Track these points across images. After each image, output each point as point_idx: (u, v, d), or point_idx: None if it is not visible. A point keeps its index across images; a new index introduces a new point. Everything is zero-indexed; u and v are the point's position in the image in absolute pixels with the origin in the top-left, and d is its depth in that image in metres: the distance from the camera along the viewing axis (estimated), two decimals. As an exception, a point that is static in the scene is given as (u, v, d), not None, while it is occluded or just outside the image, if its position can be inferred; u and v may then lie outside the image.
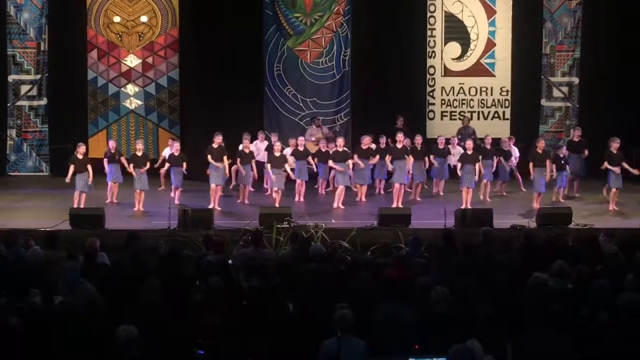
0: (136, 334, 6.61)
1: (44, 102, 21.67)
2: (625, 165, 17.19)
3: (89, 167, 16.67)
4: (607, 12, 21.37)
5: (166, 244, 12.09)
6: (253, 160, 17.94)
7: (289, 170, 17.59)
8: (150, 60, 21.77)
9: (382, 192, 18.91)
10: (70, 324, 7.08)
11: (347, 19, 21.34)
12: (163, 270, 9.28)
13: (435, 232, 13.38)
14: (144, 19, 21.70)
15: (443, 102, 22.16)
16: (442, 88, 22.13)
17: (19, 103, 21.60)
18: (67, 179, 16.57)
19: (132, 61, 21.74)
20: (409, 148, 18.00)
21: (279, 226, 14.33)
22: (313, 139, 19.85)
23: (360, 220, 15.56)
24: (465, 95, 22.16)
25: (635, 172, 17.21)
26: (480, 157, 17.77)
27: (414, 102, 21.54)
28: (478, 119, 21.97)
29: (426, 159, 18.29)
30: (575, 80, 22.10)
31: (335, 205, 17.34)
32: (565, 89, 22.17)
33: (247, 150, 17.84)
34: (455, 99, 22.15)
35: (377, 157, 17.90)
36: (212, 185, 17.10)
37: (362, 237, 14.09)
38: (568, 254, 10.02)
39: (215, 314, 7.65)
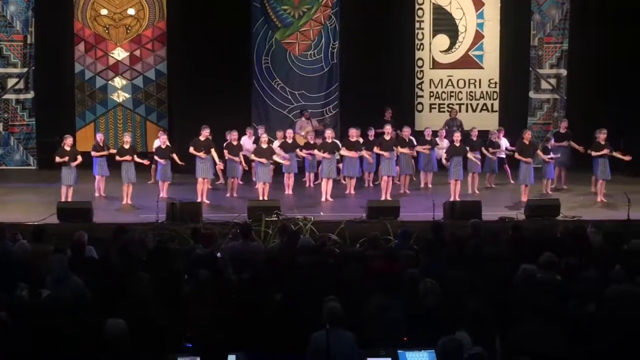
0: (125, 327, 6.59)
1: (31, 95, 21.56)
2: (618, 155, 17.26)
3: (78, 158, 16.64)
4: (595, 4, 21.42)
5: (154, 237, 12.05)
6: (241, 153, 17.89)
7: (278, 159, 17.57)
8: (137, 53, 21.70)
9: (371, 184, 18.91)
10: (58, 317, 7.05)
11: (335, 11, 21.31)
12: (151, 263, 9.25)
13: (424, 224, 13.40)
14: (131, 11, 21.62)
15: (431, 94, 22.18)
16: (431, 80, 22.15)
17: (5, 96, 21.49)
18: (58, 160, 16.49)
19: (119, 54, 21.67)
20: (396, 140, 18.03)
21: (267, 219, 14.31)
22: (302, 132, 19.81)
23: (349, 213, 15.56)
24: (454, 87, 22.18)
25: (626, 158, 17.30)
26: (467, 148, 17.81)
27: (403, 95, 21.57)
28: (466, 111, 22.01)
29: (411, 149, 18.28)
30: (564, 72, 22.14)
31: (323, 198, 17.33)
32: (553, 81, 22.20)
33: (235, 143, 17.80)
34: (443, 92, 22.17)
35: (370, 155, 17.89)
36: (200, 179, 17.06)
37: (351, 229, 14.09)
38: (556, 246, 10.03)
39: (204, 307, 7.63)
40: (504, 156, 19.26)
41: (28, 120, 21.60)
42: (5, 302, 7.46)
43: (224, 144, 17.96)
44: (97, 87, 21.65)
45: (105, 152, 17.55)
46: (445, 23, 22.03)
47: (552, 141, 18.20)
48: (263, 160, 17.15)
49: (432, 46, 22.09)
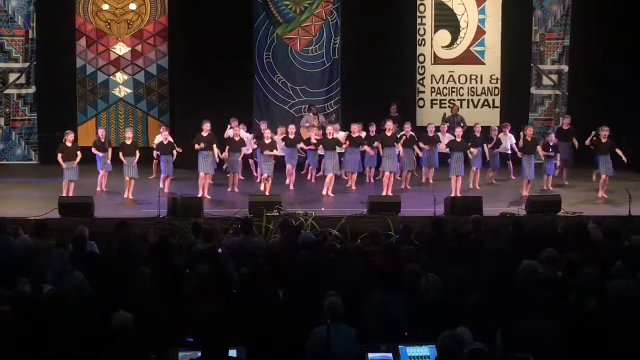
0: (132, 320, 6.60)
1: (32, 90, 21.58)
2: (619, 152, 17.27)
3: (79, 154, 16.64)
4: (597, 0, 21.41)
5: (156, 232, 12.04)
6: (242, 148, 17.89)
7: (276, 152, 17.60)
8: (139, 48, 21.70)
9: (372, 180, 18.91)
10: (59, 312, 7.06)
11: (336, 6, 21.29)
12: (152, 258, 9.26)
13: (425, 219, 13.41)
14: (132, 6, 21.62)
15: (433, 90, 22.17)
16: (432, 76, 22.14)
17: (7, 91, 21.52)
18: (61, 162, 16.54)
19: (121, 49, 21.67)
20: (398, 136, 18.02)
21: (268, 214, 14.32)
22: (307, 124, 19.81)
23: (350, 208, 15.56)
24: (455, 83, 22.17)
25: (624, 158, 17.31)
26: (469, 144, 17.81)
27: (404, 90, 21.55)
28: (468, 107, 22.00)
29: (415, 146, 18.28)
30: (565, 68, 22.13)
31: (325, 193, 17.34)
32: (554, 77, 22.20)
33: (236, 138, 17.80)
34: (445, 87, 22.16)
35: (372, 148, 17.90)
36: (201, 174, 17.08)
37: (352, 225, 14.10)
38: (557, 242, 10.04)
39: (205, 302, 7.64)
40: (508, 152, 19.21)
41: (29, 115, 21.62)
42: (7, 296, 7.48)
43: (226, 138, 17.94)
44: (98, 82, 21.66)
45: (106, 151, 17.48)
46: (446, 19, 22.01)
47: (553, 137, 18.18)
48: (272, 152, 17.20)
49: (434, 42, 22.07)
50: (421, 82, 22.11)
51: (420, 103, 22.09)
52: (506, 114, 21.57)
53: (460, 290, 7.69)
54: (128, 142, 17.34)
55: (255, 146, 18.08)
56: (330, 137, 17.78)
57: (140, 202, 16.48)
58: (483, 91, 22.22)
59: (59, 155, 16.57)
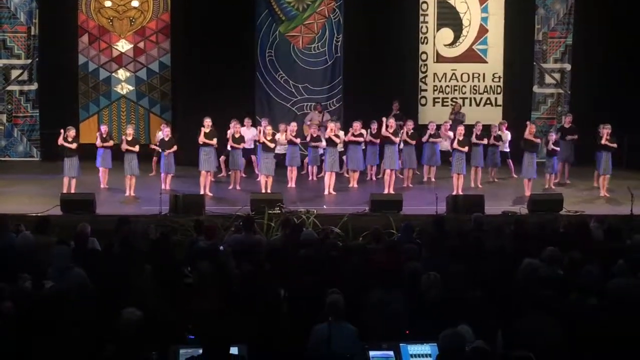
0: (140, 316, 6.60)
1: (34, 87, 21.58)
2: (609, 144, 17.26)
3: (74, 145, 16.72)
4: (600, -2, 21.41)
5: (157, 229, 12.05)
6: (243, 144, 17.88)
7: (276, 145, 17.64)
8: (141, 45, 21.69)
9: (373, 178, 18.91)
10: (60, 308, 7.06)
11: (339, 4, 21.27)
12: (154, 255, 9.26)
13: (427, 218, 13.41)
14: (135, 3, 21.61)
15: (435, 88, 22.15)
16: (435, 74, 22.12)
17: (9, 88, 21.51)
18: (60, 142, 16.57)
19: (123, 46, 21.67)
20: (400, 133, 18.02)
21: (270, 212, 14.32)
22: (309, 122, 19.81)
23: (352, 206, 15.57)
24: (458, 81, 22.15)
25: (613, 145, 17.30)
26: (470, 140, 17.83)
27: (406, 88, 21.53)
28: (470, 105, 21.98)
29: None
30: (568, 66, 22.11)
31: (326, 191, 17.34)
32: (557, 76, 22.17)
33: (237, 135, 17.79)
34: (447, 85, 22.15)
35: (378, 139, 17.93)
36: (203, 171, 17.08)
37: (353, 223, 14.10)
38: (559, 240, 10.04)
39: (206, 299, 7.64)
40: (507, 150, 19.25)
41: (32, 111, 21.62)
42: (8, 292, 7.48)
43: (229, 135, 17.93)
44: (100, 79, 21.65)
45: (109, 143, 17.51)
46: (449, 17, 21.99)
47: (554, 135, 18.17)
48: (271, 145, 17.25)
49: (436, 40, 22.05)
50: (423, 80, 22.09)
51: (423, 101, 22.07)
52: (508, 113, 21.56)
53: (462, 288, 7.69)
54: (129, 138, 17.32)
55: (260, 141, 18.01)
56: (331, 135, 17.76)
57: (141, 199, 16.48)
58: (485, 89, 22.21)
59: (60, 140, 16.58)
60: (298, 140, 18.23)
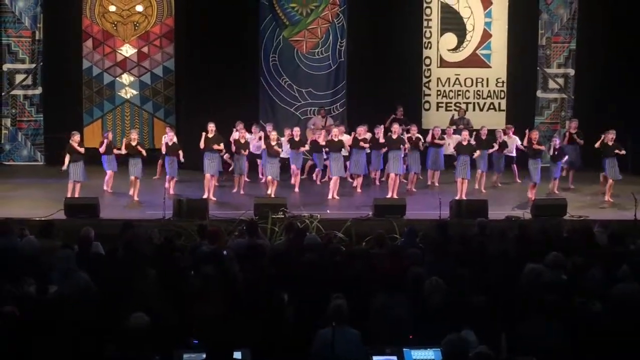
0: (148, 322, 6.60)
1: (38, 91, 21.62)
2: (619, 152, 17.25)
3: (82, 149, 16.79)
4: (603, 3, 21.38)
5: (161, 233, 12.06)
6: (248, 150, 17.91)
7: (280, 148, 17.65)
8: (145, 49, 21.73)
9: (377, 182, 18.92)
10: (64, 313, 7.07)
11: (343, 9, 21.29)
12: (157, 260, 9.26)
13: (431, 223, 13.40)
14: (139, 8, 21.66)
15: (439, 93, 22.16)
16: (438, 79, 22.13)
17: (13, 92, 21.56)
18: (64, 167, 16.65)
19: (127, 51, 21.71)
20: (405, 138, 18.02)
21: (274, 216, 14.32)
22: (312, 126, 19.81)
23: (356, 211, 15.59)
24: (461, 86, 22.16)
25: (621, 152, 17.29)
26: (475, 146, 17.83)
27: (410, 93, 21.56)
28: (474, 110, 21.98)
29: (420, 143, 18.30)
30: (571, 71, 22.12)
31: (330, 195, 17.34)
32: (561, 81, 22.18)
33: (242, 140, 17.81)
34: (450, 90, 22.15)
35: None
36: (207, 175, 17.10)
37: (357, 227, 14.11)
38: (563, 245, 10.03)
39: (210, 304, 7.64)
40: (513, 155, 19.24)
41: (36, 116, 21.66)
42: (12, 296, 7.49)
43: (232, 140, 17.97)
44: (104, 83, 21.70)
45: (112, 152, 17.57)
46: (453, 22, 22.01)
47: (557, 141, 18.16)
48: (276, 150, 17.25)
49: (440, 45, 22.07)
50: (427, 85, 22.10)
51: (426, 106, 22.08)
52: (512, 118, 21.56)
53: (465, 293, 7.69)
54: (133, 143, 17.36)
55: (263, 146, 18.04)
56: (335, 140, 17.78)
57: (145, 204, 16.50)
58: (489, 94, 22.21)
59: (66, 156, 16.64)
60: (305, 148, 18.26)
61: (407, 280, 8.16)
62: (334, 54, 21.36)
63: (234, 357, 6.05)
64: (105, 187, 17.54)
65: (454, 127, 19.84)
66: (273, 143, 17.47)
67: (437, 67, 22.12)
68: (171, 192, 17.14)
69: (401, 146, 17.69)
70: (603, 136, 17.32)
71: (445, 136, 18.95)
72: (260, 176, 18.68)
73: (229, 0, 20.51)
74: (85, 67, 21.58)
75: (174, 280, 8.46)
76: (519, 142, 18.90)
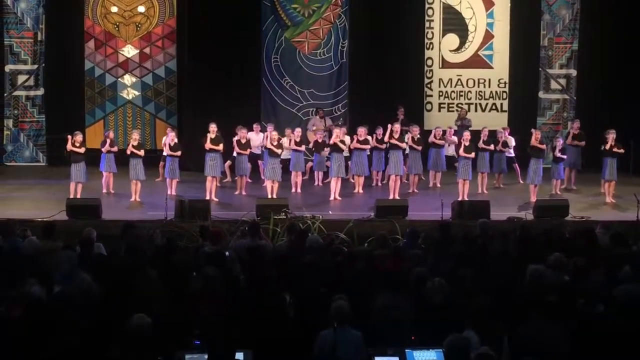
0: (150, 325, 6.61)
1: (41, 92, 21.63)
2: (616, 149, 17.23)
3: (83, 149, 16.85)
4: (605, 4, 21.36)
5: (163, 234, 12.06)
6: (249, 150, 17.91)
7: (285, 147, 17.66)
8: (147, 50, 21.74)
9: (379, 183, 18.91)
10: (66, 313, 7.07)
11: (345, 10, 21.28)
12: (159, 260, 9.26)
13: (432, 224, 13.39)
14: (141, 9, 21.66)
15: (441, 93, 22.15)
16: (440, 80, 22.11)
17: (15, 93, 21.57)
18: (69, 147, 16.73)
19: (129, 51, 21.71)
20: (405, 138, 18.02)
21: (276, 217, 14.32)
22: (314, 128, 19.82)
23: (358, 212, 15.57)
24: (463, 87, 22.15)
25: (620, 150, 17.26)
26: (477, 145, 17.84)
27: (412, 94, 21.56)
28: (476, 110, 21.96)
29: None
30: (573, 72, 22.09)
31: (332, 196, 17.34)
32: (563, 81, 22.15)
33: (243, 141, 17.82)
34: (452, 91, 22.14)
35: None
36: (209, 177, 17.10)
37: (359, 228, 14.10)
38: (565, 246, 10.02)
39: (212, 305, 7.64)
40: (512, 155, 19.25)
41: (38, 116, 21.67)
42: (15, 297, 7.49)
43: (235, 141, 17.96)
44: (106, 84, 21.70)
45: (115, 149, 17.58)
46: (455, 22, 21.99)
47: (560, 141, 18.16)
48: (277, 150, 17.26)
49: (442, 45, 22.06)
50: (429, 85, 22.09)
51: (428, 107, 22.07)
52: (514, 118, 21.55)
53: (467, 294, 7.68)
54: (135, 143, 17.36)
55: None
56: (336, 140, 17.75)
57: (147, 205, 16.50)
58: (491, 95, 22.19)
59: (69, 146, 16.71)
60: (303, 147, 18.26)
61: (410, 281, 8.16)
62: (336, 54, 21.35)
63: (236, 358, 6.06)
64: (104, 190, 17.50)
65: (456, 127, 19.79)
66: (274, 143, 17.47)
67: (439, 68, 22.11)
68: (173, 193, 17.12)
69: (402, 147, 17.69)
70: (607, 137, 17.29)
71: (446, 137, 18.91)
72: (262, 177, 18.67)
73: (230, 1, 20.52)
74: (87, 68, 21.59)
75: (175, 281, 8.46)
76: (514, 144, 18.96)
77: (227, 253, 10.08)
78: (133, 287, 7.91)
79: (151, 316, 6.79)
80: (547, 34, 22.04)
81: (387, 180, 18.17)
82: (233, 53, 20.41)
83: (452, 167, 18.40)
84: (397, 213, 15.06)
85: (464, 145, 17.59)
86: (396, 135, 17.69)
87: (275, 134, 17.77)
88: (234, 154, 17.95)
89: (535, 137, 17.69)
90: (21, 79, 21.55)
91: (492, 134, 18.80)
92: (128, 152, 17.20)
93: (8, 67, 21.48)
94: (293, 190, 17.94)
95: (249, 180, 18.49)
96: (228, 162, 18.58)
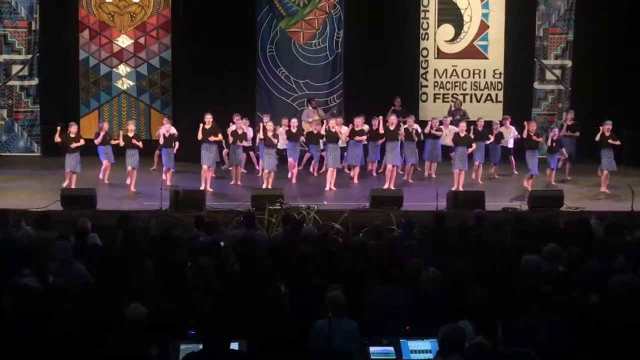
0: (146, 312, 6.61)
1: (35, 82, 21.58)
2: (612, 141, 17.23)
3: (81, 140, 16.87)
4: (601, -5, 21.38)
5: (158, 224, 12.05)
6: (245, 141, 17.90)
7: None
8: (142, 40, 21.67)
9: (374, 173, 18.92)
10: (61, 304, 7.07)
11: (340, 0, 21.24)
12: (155, 251, 9.26)
13: (428, 214, 13.40)
14: (136, -1, 21.60)
15: (436, 84, 22.13)
16: (435, 70, 22.10)
17: (10, 83, 21.51)
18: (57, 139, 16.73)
19: (123, 41, 21.64)
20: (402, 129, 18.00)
21: (271, 208, 14.32)
22: (310, 119, 19.79)
23: (353, 202, 15.58)
24: (458, 77, 22.13)
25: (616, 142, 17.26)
26: (472, 137, 17.82)
27: (407, 84, 21.54)
28: (471, 101, 21.96)
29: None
30: (568, 63, 22.09)
31: (327, 187, 17.34)
32: (558, 72, 22.15)
33: (239, 131, 17.80)
34: (448, 81, 22.13)
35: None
36: (204, 167, 17.09)
37: (354, 219, 14.10)
38: (559, 237, 10.04)
39: (207, 295, 7.64)
40: (510, 146, 19.24)
41: (32, 106, 21.62)
42: (9, 288, 7.48)
43: (230, 132, 17.95)
44: (101, 74, 21.64)
45: (108, 143, 17.58)
46: (450, 13, 21.96)
47: (556, 131, 18.17)
48: (275, 141, 17.26)
49: (437, 36, 22.03)
50: (424, 76, 22.07)
51: (423, 97, 22.06)
52: (509, 109, 21.53)
53: (462, 284, 7.70)
54: (130, 134, 17.35)
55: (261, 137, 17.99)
56: (332, 130, 17.76)
57: (142, 195, 16.48)
58: (486, 86, 22.19)
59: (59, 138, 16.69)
60: (302, 139, 18.27)
61: (406, 271, 8.17)
62: (331, 45, 21.33)
63: (231, 348, 6.06)
64: (101, 177, 17.54)
65: (451, 118, 19.81)
66: (269, 134, 17.46)
67: (435, 58, 22.09)
68: (168, 183, 17.12)
69: (398, 137, 17.69)
70: (601, 128, 17.30)
71: (442, 127, 18.90)
72: (257, 167, 18.66)
73: (225, -10, 20.49)
74: (82, 58, 21.52)
75: (171, 271, 8.47)
76: (516, 133, 18.90)
77: (222, 243, 10.09)
78: (128, 278, 7.91)
79: (147, 306, 6.79)
80: (542, 25, 22.03)
81: (383, 170, 18.17)
82: (228, 43, 20.35)
83: (448, 158, 18.39)
84: (392, 203, 15.07)
85: (459, 135, 17.58)
86: (392, 127, 17.68)
87: (270, 125, 17.75)
88: (230, 140, 17.89)
89: (530, 128, 17.67)
90: (15, 68, 21.48)
91: (487, 125, 18.78)
92: (122, 141, 17.20)
93: (2, 57, 21.41)
94: (289, 175, 17.93)
95: (244, 171, 18.48)
96: (225, 150, 18.57)
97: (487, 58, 22.13)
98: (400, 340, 6.47)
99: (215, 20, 20.36)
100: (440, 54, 22.10)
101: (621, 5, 20.99)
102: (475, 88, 22.18)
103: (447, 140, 18.55)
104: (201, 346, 6.03)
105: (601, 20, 21.14)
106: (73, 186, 16.40)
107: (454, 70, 22.10)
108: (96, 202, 14.92)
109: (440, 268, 8.02)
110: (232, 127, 18.08)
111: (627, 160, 19.32)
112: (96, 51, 21.58)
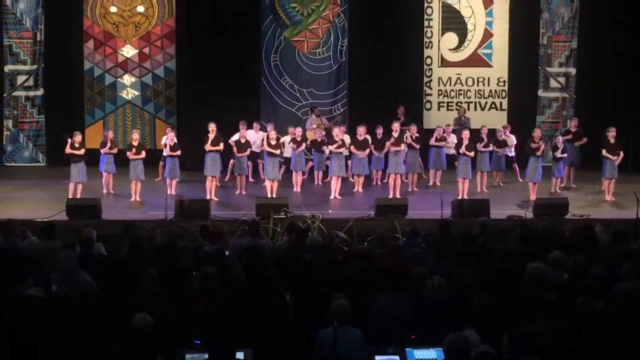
0: (151, 322, 6.61)
1: (40, 92, 21.64)
2: (610, 156, 17.17)
3: (83, 150, 16.85)
4: (605, 2, 21.38)
5: (163, 234, 12.05)
6: (249, 150, 17.93)
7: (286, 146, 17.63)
8: (146, 50, 21.74)
9: (379, 182, 18.92)
10: (66, 313, 7.07)
11: (344, 9, 21.30)
12: (160, 260, 9.26)
13: (432, 222, 13.38)
14: (140, 9, 21.66)
15: (440, 92, 22.14)
16: (439, 78, 22.11)
17: (15, 93, 21.58)
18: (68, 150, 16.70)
19: (128, 51, 21.71)
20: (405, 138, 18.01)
21: (275, 217, 14.32)
22: (314, 127, 19.81)
23: (357, 211, 15.57)
24: (462, 85, 22.15)
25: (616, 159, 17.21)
26: (476, 146, 17.81)
27: (411, 93, 21.55)
28: (475, 109, 21.96)
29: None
30: (573, 70, 22.09)
31: (332, 195, 17.34)
32: (562, 80, 22.16)
33: (243, 140, 17.82)
34: (452, 90, 22.14)
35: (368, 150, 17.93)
36: (208, 176, 17.11)
37: (358, 227, 14.10)
38: (565, 244, 10.02)
39: (212, 304, 7.64)
40: (513, 154, 19.25)
41: (37, 117, 21.68)
42: (14, 297, 7.49)
43: (233, 142, 17.98)
44: (106, 84, 21.70)
45: (114, 150, 17.59)
46: (454, 21, 21.99)
47: (561, 139, 18.17)
48: (276, 151, 17.25)
49: (441, 44, 22.05)
50: (428, 84, 22.09)
51: (428, 106, 22.07)
52: (513, 117, 21.55)
53: (467, 292, 7.68)
54: (135, 143, 17.37)
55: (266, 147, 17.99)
56: (337, 139, 17.77)
57: (147, 205, 16.50)
58: (490, 94, 22.19)
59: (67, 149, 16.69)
60: (303, 146, 18.28)
61: (411, 279, 8.16)
62: (335, 54, 21.37)
63: (236, 357, 6.06)
64: (104, 191, 17.52)
65: (459, 126, 19.81)
66: (273, 143, 17.47)
67: (438, 66, 22.11)
68: (173, 192, 17.13)
69: (402, 143, 17.70)
70: (607, 135, 17.28)
71: (445, 135, 18.91)
72: (262, 176, 18.67)
73: (230, 0, 20.51)
74: (87, 68, 21.59)
75: (176, 280, 8.47)
76: (515, 142, 18.94)
77: (227, 252, 10.09)
78: (133, 287, 7.91)
79: (152, 315, 6.79)
80: (547, 32, 22.05)
81: (387, 179, 18.17)
82: (232, 52, 20.41)
83: (452, 166, 18.39)
84: (397, 212, 15.06)
85: (464, 143, 17.58)
86: (396, 135, 17.68)
87: (274, 134, 17.77)
88: (234, 151, 17.90)
89: (535, 136, 17.63)
90: (20, 79, 21.56)
91: (491, 133, 18.77)
92: (130, 156, 17.15)
93: (7, 68, 21.50)
94: (294, 189, 17.94)
95: (252, 180, 18.49)
96: (232, 161, 18.59)
97: (491, 66, 22.14)
98: (406, 348, 6.47)
99: (219, 29, 20.42)
100: (444, 62, 22.12)
101: (625, 13, 20.99)
102: (480, 96, 22.19)
103: (452, 150, 18.54)
104: (207, 356, 6.03)
105: (605, 27, 21.15)
106: (78, 196, 16.42)
107: (458, 78, 22.11)
108: (101, 212, 14.94)
109: (445, 276, 8.00)
110: (236, 137, 18.09)
111: (632, 168, 19.28)
112: (101, 61, 21.65)
